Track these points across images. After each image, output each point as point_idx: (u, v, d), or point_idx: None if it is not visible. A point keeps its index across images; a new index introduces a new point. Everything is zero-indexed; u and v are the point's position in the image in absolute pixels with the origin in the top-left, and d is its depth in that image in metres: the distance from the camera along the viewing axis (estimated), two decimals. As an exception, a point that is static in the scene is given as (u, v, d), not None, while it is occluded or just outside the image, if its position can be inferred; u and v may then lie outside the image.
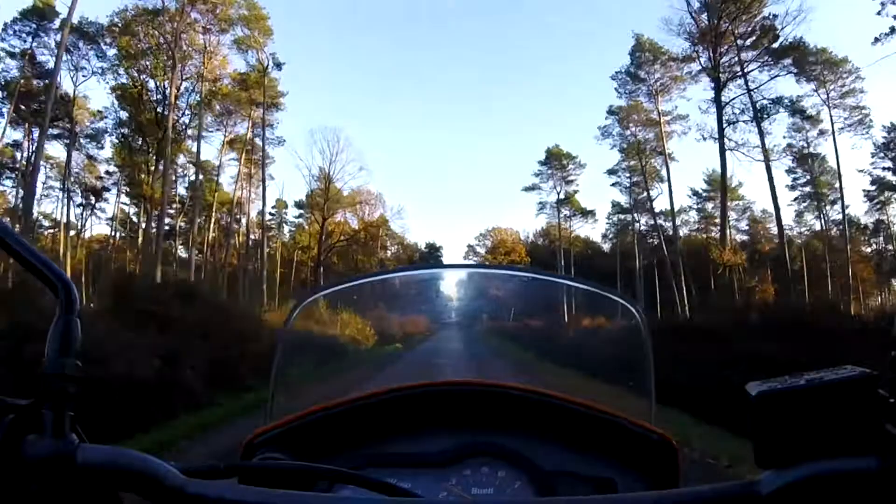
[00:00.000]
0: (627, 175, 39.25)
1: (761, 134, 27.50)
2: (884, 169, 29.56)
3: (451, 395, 0.79)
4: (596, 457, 0.73)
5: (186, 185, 37.30)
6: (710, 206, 38.56)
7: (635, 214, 41.05)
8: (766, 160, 27.25)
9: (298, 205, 41.47)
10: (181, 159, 35.07)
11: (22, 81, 25.22)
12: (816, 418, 0.35)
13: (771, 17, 26.70)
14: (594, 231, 57.92)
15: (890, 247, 33.20)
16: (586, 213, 44.11)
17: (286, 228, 46.24)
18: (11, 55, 25.37)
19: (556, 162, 42.22)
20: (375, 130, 61.68)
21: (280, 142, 35.40)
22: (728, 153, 27.98)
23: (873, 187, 31.02)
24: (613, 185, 40.66)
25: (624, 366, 0.90)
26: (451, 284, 1.18)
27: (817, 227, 35.13)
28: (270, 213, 42.23)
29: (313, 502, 0.45)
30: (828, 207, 33.01)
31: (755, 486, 0.36)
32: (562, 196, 42.75)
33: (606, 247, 47.25)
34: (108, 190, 35.11)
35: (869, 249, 35.29)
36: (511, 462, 0.70)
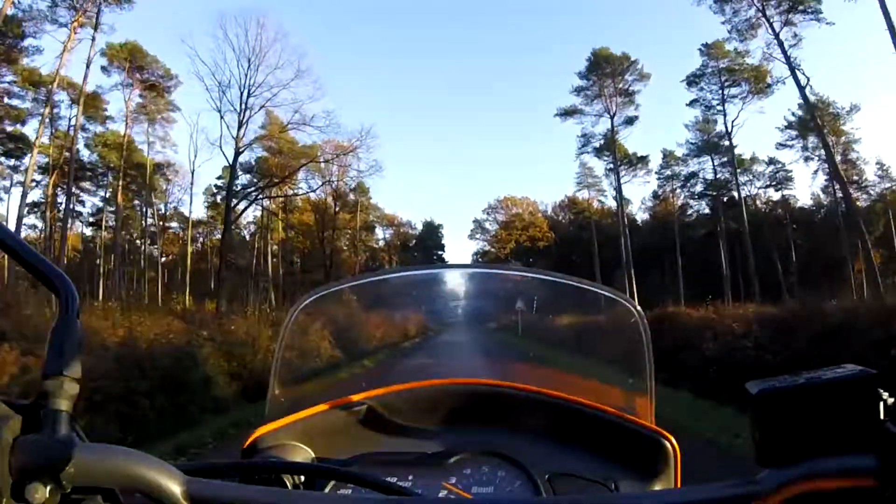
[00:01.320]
0: (716, 86, 25.88)
1: None
2: None
3: (452, 394, 0.79)
4: (596, 456, 0.73)
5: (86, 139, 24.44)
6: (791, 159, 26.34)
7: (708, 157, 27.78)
8: None
9: (247, 168, 28.11)
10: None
11: None
12: (816, 417, 0.35)
13: None
14: (646, 188, 43.38)
15: None
16: (636, 162, 30.30)
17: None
18: None
19: (606, 69, 28.17)
20: (355, 95, 52.93)
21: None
22: None
23: None
24: (692, 103, 27.21)
25: (623, 365, 0.90)
26: (448, 285, 1.19)
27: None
28: (217, 186, 30.47)
29: (314, 501, 0.45)
30: None
31: (755, 485, 0.36)
32: (616, 124, 28.52)
33: (641, 217, 36.31)
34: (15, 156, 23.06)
35: None
36: (511, 461, 0.70)
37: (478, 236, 44.75)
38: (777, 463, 0.36)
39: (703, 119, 28.83)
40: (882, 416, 0.34)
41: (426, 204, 77.37)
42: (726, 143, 27.60)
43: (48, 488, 0.34)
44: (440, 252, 45.91)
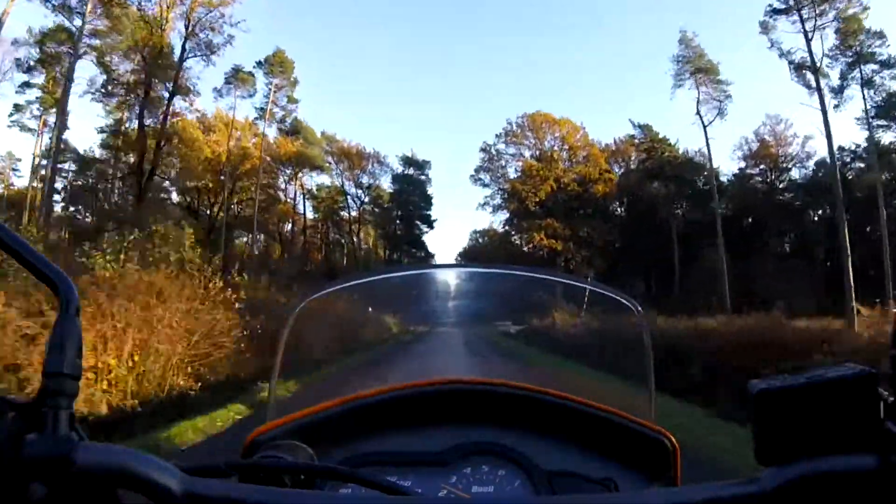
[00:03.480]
0: None
1: None
2: None
3: (452, 393, 0.79)
4: (596, 456, 0.73)
5: None
6: None
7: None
8: None
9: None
10: None
11: None
12: (816, 416, 0.35)
13: None
14: (742, 127, 26.32)
15: None
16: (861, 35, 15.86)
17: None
18: None
19: None
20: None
21: None
22: None
23: None
24: None
25: (624, 364, 0.90)
26: (446, 285, 1.20)
27: None
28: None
29: (313, 501, 0.45)
30: None
31: (755, 484, 0.36)
32: None
33: (732, 166, 22.55)
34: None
35: None
36: (511, 461, 0.70)
37: (483, 177, 27.85)
38: (777, 462, 0.36)
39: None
40: (882, 416, 0.34)
41: (409, 137, 55.20)
42: None
43: (48, 487, 0.34)
44: (426, 212, 31.20)
